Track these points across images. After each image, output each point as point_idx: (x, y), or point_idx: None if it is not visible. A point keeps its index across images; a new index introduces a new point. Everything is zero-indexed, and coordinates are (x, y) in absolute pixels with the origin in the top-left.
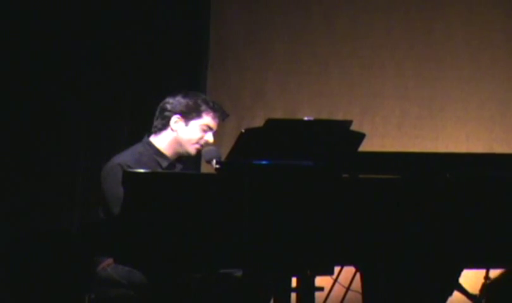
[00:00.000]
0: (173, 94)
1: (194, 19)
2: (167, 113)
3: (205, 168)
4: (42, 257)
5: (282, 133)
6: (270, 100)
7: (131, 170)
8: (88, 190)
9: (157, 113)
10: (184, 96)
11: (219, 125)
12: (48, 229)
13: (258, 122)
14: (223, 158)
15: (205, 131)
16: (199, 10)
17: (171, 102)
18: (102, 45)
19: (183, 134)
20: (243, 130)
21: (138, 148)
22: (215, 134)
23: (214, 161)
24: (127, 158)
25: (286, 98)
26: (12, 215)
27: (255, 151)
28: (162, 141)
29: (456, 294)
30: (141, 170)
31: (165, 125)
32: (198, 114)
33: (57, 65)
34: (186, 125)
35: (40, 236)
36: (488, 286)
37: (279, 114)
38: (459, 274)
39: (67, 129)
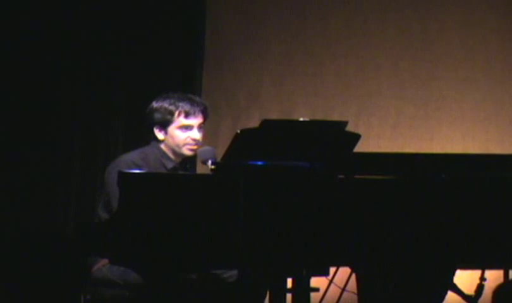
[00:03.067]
0: (149, 104)
1: (189, 20)
2: (149, 126)
3: (200, 169)
4: (38, 257)
5: (277, 134)
6: (266, 101)
7: (126, 170)
8: (83, 190)
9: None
10: (155, 104)
11: (210, 123)
12: (43, 229)
13: (254, 123)
14: (218, 158)
15: (185, 131)
16: (194, 11)
17: (147, 115)
18: (95, 45)
19: (168, 141)
20: (238, 131)
21: (145, 149)
22: (200, 129)
23: (210, 162)
24: (135, 157)
25: (281, 98)
26: (7, 216)
27: (251, 152)
28: (164, 146)
29: (452, 295)
30: (136, 171)
31: (154, 136)
32: (172, 118)
33: (53, 66)
34: (166, 133)
35: (35, 236)
36: (496, 290)
37: (274, 115)
38: (453, 275)
39: (62, 130)
